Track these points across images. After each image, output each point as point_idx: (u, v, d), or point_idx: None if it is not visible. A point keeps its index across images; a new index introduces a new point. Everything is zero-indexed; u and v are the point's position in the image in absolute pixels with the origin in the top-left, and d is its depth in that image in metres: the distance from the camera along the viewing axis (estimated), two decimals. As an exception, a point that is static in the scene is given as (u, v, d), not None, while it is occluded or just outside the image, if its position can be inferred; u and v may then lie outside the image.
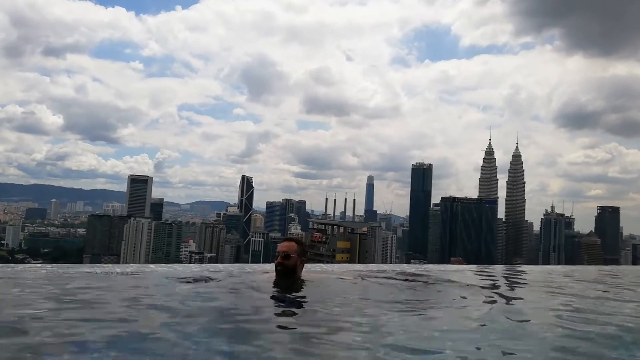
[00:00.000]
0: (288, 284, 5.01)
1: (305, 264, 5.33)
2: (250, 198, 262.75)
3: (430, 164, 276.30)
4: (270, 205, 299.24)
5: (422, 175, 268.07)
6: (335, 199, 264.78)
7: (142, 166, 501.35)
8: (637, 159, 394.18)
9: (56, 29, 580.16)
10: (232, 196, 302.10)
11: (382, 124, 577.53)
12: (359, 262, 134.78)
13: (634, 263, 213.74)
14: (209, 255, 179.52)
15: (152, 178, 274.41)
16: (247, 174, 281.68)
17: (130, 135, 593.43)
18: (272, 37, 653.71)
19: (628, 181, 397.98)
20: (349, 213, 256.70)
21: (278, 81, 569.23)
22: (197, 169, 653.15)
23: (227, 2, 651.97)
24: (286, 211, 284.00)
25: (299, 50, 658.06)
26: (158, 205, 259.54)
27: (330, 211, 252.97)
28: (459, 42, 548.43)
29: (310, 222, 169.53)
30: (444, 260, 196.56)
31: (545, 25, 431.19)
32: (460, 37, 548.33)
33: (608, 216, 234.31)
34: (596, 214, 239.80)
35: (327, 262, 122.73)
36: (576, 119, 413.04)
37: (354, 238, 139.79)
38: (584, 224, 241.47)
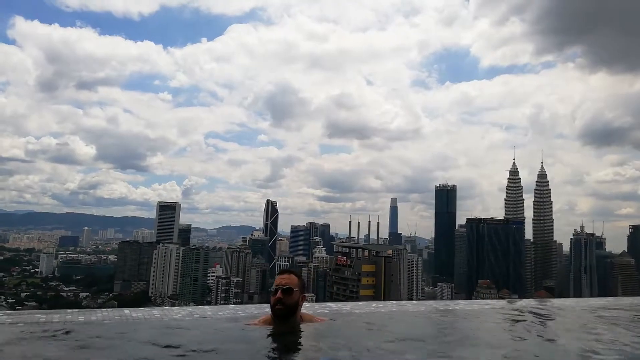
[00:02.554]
0: (288, 330, 4.04)
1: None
2: (275, 222, 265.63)
3: (454, 185, 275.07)
4: (294, 229, 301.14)
5: (446, 197, 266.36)
6: (359, 222, 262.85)
7: (171, 193, 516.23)
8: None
9: (88, 63, 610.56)
10: (258, 221, 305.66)
11: (404, 146, 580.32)
12: (384, 285, 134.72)
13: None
14: (235, 279, 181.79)
15: (180, 204, 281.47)
16: (271, 199, 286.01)
17: (159, 164, 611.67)
18: (294, 65, 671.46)
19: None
20: (373, 236, 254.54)
21: (300, 107, 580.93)
22: (223, 195, 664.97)
23: (251, 32, 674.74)
24: (311, 235, 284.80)
25: (320, 77, 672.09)
26: (186, 231, 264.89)
27: (354, 234, 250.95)
28: (479, 63, 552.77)
29: (334, 246, 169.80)
30: (471, 283, 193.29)
31: (567, 43, 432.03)
32: (480, 58, 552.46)
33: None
34: (628, 233, 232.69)
35: (352, 286, 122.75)
36: (603, 136, 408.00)
37: (379, 261, 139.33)
38: (616, 244, 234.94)
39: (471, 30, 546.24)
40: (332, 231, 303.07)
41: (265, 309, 4.62)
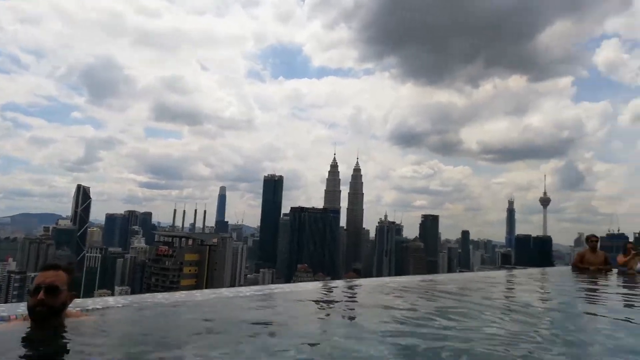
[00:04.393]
0: (46, 333, 3.18)
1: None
2: (86, 210, 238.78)
3: (281, 176, 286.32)
4: (110, 218, 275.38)
5: (273, 187, 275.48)
6: (184, 210, 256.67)
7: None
8: (452, 174, 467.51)
9: None
10: (66, 208, 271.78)
11: (236, 136, 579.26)
12: (207, 274, 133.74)
13: (449, 264, 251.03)
14: (32, 274, 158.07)
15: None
16: (84, 184, 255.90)
17: None
18: (120, 39, 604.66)
19: (445, 193, 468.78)
20: (199, 224, 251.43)
21: (125, 85, 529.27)
22: (22, 177, 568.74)
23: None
24: (129, 224, 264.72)
25: (150, 56, 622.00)
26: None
27: (179, 223, 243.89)
28: (310, 62, 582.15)
29: (156, 235, 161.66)
30: (291, 268, 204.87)
31: (385, 54, 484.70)
32: (312, 58, 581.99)
33: (429, 224, 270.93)
34: (420, 221, 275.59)
35: (173, 277, 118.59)
36: (406, 139, 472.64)
37: (204, 250, 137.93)
38: (411, 231, 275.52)
39: (305, 29, 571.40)
40: (155, 220, 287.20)
41: (20, 308, 3.77)
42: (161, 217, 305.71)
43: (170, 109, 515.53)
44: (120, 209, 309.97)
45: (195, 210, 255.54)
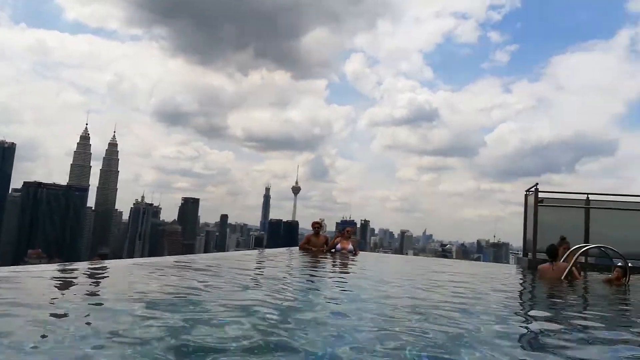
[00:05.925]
0: None
1: None
2: None
3: (13, 143, 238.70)
4: None
5: (1, 155, 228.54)
6: None
7: None
8: (216, 158, 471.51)
9: None
10: None
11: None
12: None
13: (206, 247, 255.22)
14: None
15: None
16: None
17: None
18: None
19: (208, 176, 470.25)
20: None
21: None
22: None
23: None
24: None
25: None
26: None
27: None
28: (63, 14, 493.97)
29: None
30: (19, 254, 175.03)
31: (154, 22, 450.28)
32: (65, 9, 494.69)
33: (190, 206, 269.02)
34: (180, 204, 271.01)
35: None
36: (172, 117, 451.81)
37: None
38: (170, 213, 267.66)
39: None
40: None
41: None
42: None
43: None
44: None
45: None
